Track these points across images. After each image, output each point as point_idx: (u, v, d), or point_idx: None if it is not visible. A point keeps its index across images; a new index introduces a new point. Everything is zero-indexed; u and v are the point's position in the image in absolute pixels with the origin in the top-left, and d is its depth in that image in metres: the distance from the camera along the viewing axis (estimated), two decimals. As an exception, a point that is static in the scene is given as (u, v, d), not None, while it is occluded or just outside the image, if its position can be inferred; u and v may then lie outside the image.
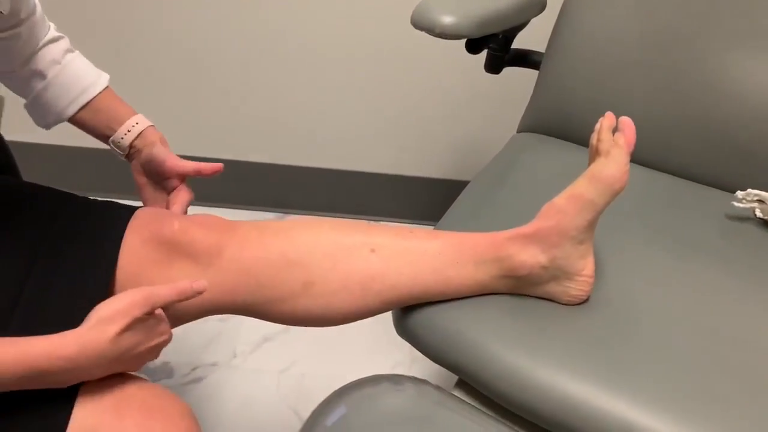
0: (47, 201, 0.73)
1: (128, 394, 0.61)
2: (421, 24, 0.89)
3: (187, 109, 1.50)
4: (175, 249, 0.70)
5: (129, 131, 0.80)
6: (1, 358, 0.54)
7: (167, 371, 1.28)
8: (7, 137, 0.91)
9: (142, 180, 0.83)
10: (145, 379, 0.65)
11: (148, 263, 0.69)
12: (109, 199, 0.76)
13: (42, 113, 0.81)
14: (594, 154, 0.72)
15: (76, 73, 0.80)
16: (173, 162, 0.81)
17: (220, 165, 0.81)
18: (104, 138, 0.82)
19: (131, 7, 1.37)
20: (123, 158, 0.83)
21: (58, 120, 0.81)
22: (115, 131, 0.80)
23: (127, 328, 0.58)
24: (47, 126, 0.82)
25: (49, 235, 0.68)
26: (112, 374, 0.61)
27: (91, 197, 0.76)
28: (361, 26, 1.38)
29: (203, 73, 1.45)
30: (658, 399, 0.65)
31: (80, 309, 0.63)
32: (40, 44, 0.78)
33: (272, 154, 1.57)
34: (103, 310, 0.59)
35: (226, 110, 1.51)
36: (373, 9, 1.35)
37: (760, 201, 0.86)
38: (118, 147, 0.81)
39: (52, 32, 0.80)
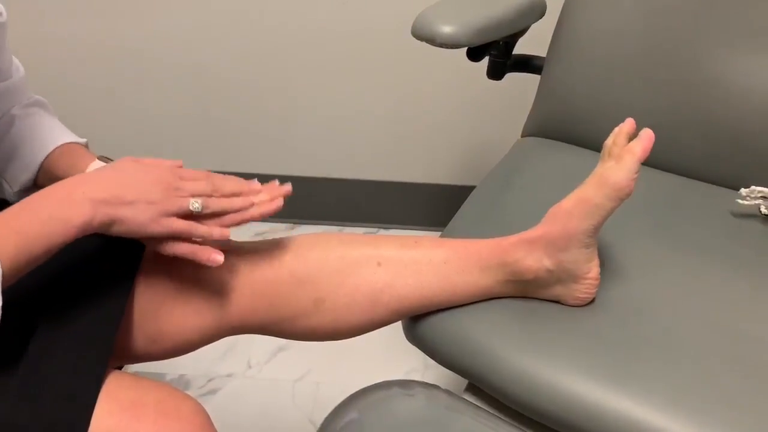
0: None
1: (144, 393, 0.63)
2: (421, 35, 0.91)
3: (194, 123, 1.51)
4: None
5: None
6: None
7: (183, 383, 1.30)
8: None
9: None
10: (158, 381, 0.66)
11: (165, 288, 0.70)
12: None
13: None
14: (605, 155, 0.72)
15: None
16: None
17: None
18: None
19: (138, 17, 1.39)
20: None
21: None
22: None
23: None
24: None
25: (71, 256, 0.69)
26: (128, 375, 0.64)
27: None
28: (366, 36, 1.39)
29: (209, 84, 1.47)
30: (667, 397, 0.65)
31: (99, 327, 0.65)
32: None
33: (280, 166, 1.59)
34: None
35: (233, 123, 1.53)
36: (377, 18, 1.36)
37: (765, 197, 0.86)
38: None
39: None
